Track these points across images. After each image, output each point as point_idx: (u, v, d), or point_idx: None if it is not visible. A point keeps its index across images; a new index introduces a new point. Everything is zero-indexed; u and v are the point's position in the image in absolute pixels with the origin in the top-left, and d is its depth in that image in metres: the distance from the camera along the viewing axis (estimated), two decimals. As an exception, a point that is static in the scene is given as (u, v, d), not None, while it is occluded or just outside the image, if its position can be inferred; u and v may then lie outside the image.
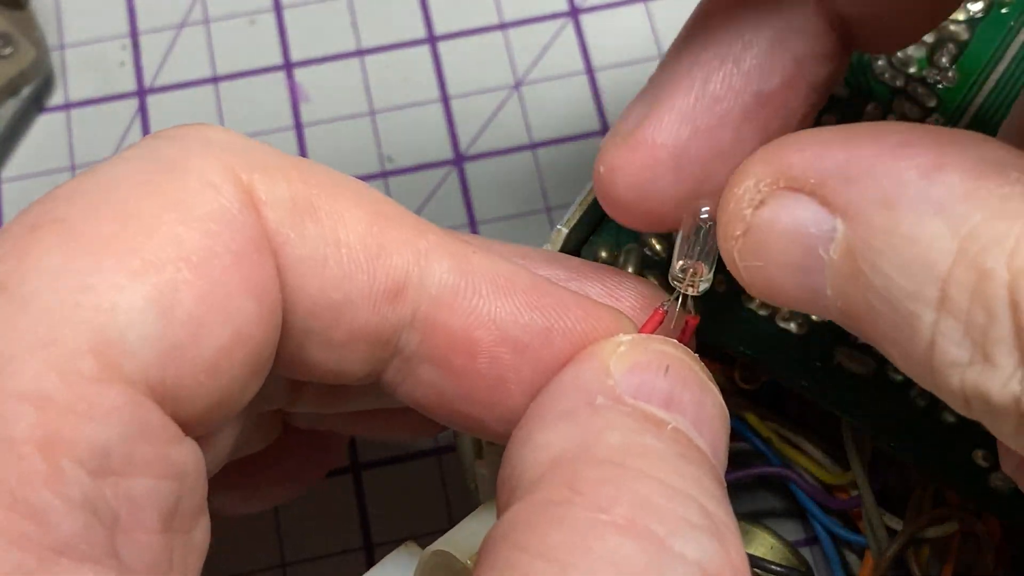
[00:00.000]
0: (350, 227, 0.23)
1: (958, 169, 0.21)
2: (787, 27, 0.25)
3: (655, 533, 0.20)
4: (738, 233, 0.23)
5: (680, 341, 0.25)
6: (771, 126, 0.25)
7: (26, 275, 0.20)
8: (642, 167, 0.26)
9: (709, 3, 0.26)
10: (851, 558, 0.32)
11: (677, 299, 0.26)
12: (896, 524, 0.30)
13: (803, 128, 0.26)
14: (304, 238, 0.23)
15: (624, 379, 0.23)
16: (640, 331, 0.25)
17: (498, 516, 0.22)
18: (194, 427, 0.22)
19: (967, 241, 0.20)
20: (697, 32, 0.26)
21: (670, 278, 0.26)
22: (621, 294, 0.27)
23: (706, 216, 0.26)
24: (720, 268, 0.31)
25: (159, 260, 0.21)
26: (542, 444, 0.22)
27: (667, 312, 0.26)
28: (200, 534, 0.22)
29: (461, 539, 0.26)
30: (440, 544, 0.26)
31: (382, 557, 0.28)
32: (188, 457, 0.21)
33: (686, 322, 0.26)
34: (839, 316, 0.23)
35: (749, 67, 0.25)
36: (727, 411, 0.24)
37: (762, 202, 0.23)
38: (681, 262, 0.26)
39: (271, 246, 0.23)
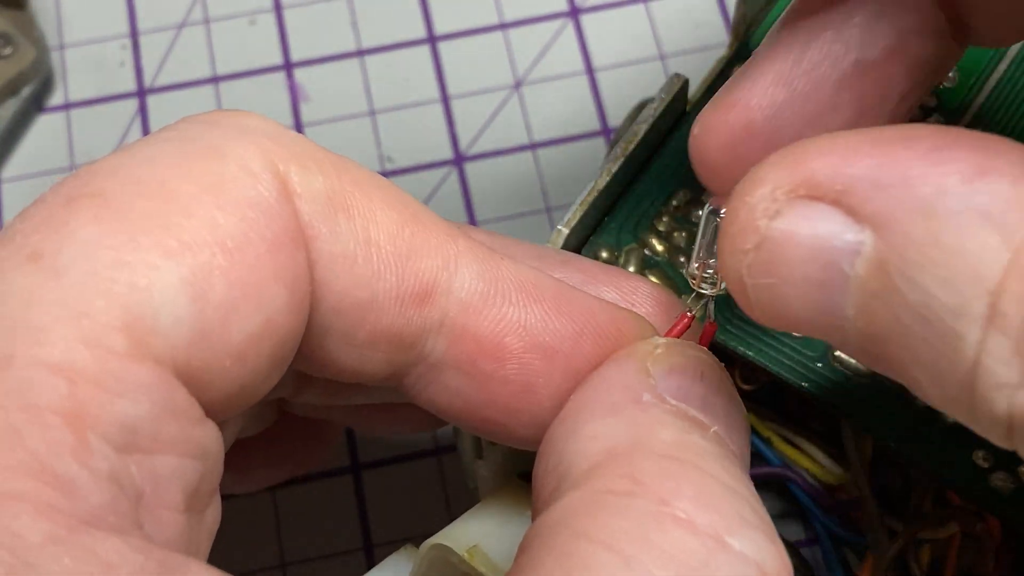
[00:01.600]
0: (381, 227, 0.23)
1: (1005, 174, 0.19)
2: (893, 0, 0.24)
3: (715, 529, 0.20)
4: (749, 247, 0.21)
5: (702, 342, 0.26)
6: (868, 97, 0.25)
7: (61, 246, 0.20)
8: (735, 128, 0.25)
9: None
10: (851, 558, 0.32)
11: (705, 303, 0.26)
12: (896, 524, 0.30)
13: (905, 108, 0.25)
14: (336, 234, 0.23)
15: (663, 380, 0.23)
16: (668, 335, 0.25)
17: (539, 506, 0.22)
18: (215, 412, 0.22)
19: (1021, 250, 0.19)
20: (801, 2, 0.25)
21: (689, 278, 0.26)
22: (636, 299, 0.27)
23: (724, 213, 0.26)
24: (720, 268, 0.31)
25: (195, 242, 0.21)
26: (591, 435, 0.22)
27: (694, 317, 0.26)
28: (212, 515, 0.22)
29: (460, 533, 0.26)
30: (438, 538, 0.26)
31: (382, 557, 0.28)
32: (210, 438, 0.21)
33: (704, 328, 0.26)
34: (858, 339, 0.21)
35: (850, 35, 0.24)
36: (749, 424, 0.24)
37: (778, 212, 0.21)
38: (699, 262, 0.26)
39: (304, 238, 0.22)
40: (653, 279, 0.31)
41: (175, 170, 0.22)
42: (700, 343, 0.26)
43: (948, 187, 0.19)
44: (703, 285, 0.26)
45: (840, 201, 0.20)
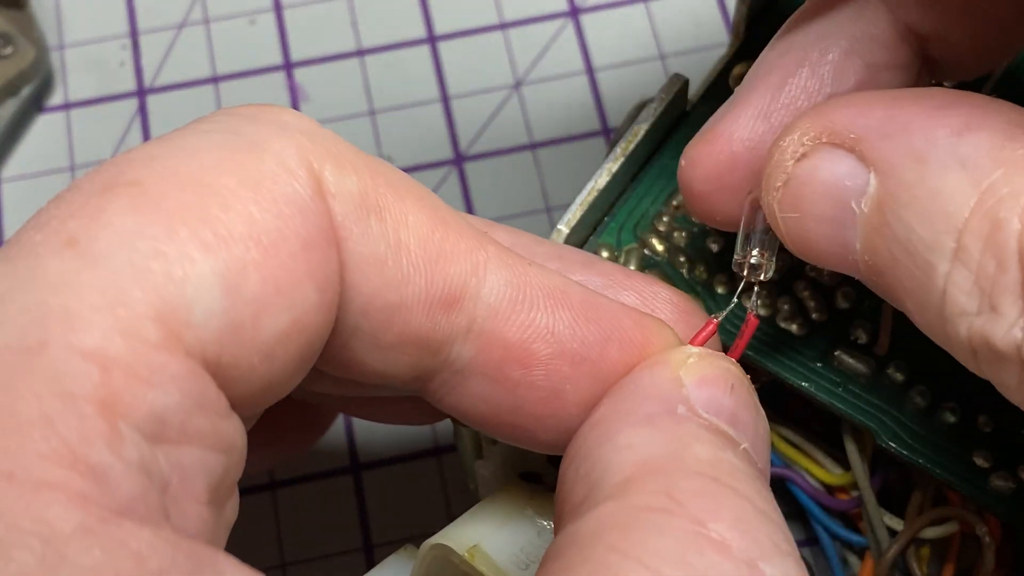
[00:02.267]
0: (412, 230, 0.23)
1: (988, 129, 0.22)
2: (862, 36, 0.27)
3: (750, 555, 0.21)
4: (779, 184, 0.24)
5: (740, 342, 0.26)
6: None
7: (98, 234, 0.20)
8: (719, 160, 0.27)
9: (795, 15, 0.27)
10: (851, 559, 0.32)
11: (750, 291, 0.27)
12: (897, 524, 0.30)
13: None
14: (367, 235, 0.23)
15: (694, 391, 0.23)
16: (693, 341, 0.26)
17: (568, 510, 0.22)
18: (240, 408, 0.22)
19: (986, 193, 0.21)
20: (781, 40, 0.27)
21: (734, 267, 0.27)
22: (656, 304, 0.27)
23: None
24: (722, 269, 0.31)
25: (231, 236, 0.21)
26: (625, 445, 0.22)
27: (719, 323, 0.26)
28: (231, 509, 0.22)
29: (460, 533, 0.26)
30: (439, 538, 0.26)
31: (382, 557, 0.28)
32: (236, 432, 0.21)
33: (747, 321, 0.26)
34: (866, 271, 0.24)
35: (824, 71, 0.26)
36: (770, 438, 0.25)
37: (804, 155, 0.24)
38: (743, 252, 0.27)
39: (335, 238, 0.22)
40: (653, 279, 0.31)
41: (213, 163, 0.22)
42: (742, 337, 0.26)
43: (938, 138, 0.22)
44: (739, 271, 0.27)
45: (854, 148, 0.23)
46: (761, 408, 0.24)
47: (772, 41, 0.28)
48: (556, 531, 0.23)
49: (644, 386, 0.24)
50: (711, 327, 0.26)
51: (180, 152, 0.22)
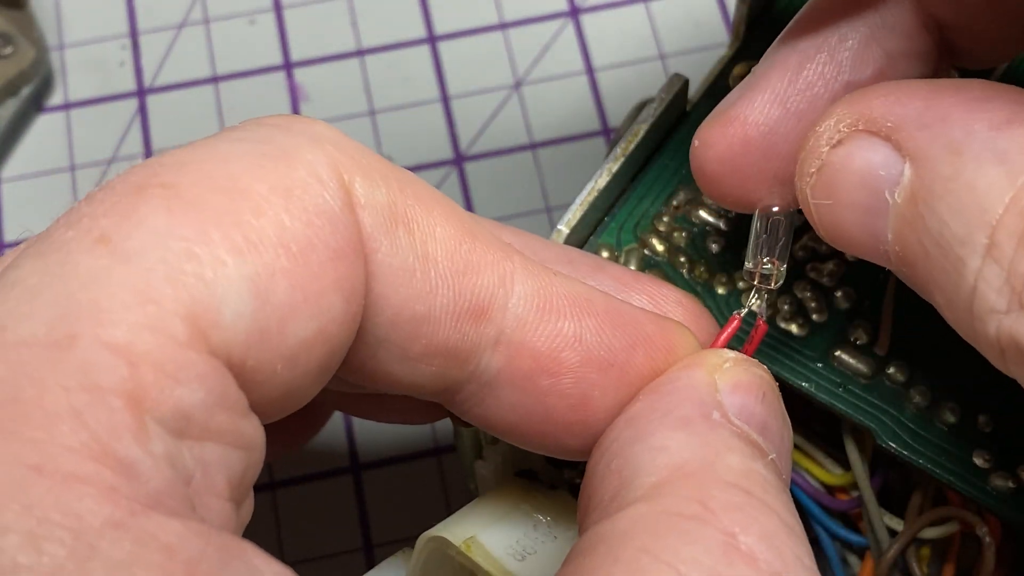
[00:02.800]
0: (440, 242, 0.23)
1: None
2: (882, 24, 0.26)
3: (775, 569, 0.21)
4: (812, 170, 0.24)
5: (748, 348, 0.26)
6: None
7: (131, 232, 0.20)
8: (732, 142, 0.27)
9: (815, 1, 0.27)
10: (852, 559, 0.32)
11: (761, 298, 0.27)
12: (897, 524, 0.30)
13: None
14: (395, 247, 0.23)
15: (728, 396, 0.24)
16: (716, 339, 0.26)
17: (597, 503, 0.23)
18: (259, 413, 0.22)
19: (1022, 190, 0.21)
20: (800, 25, 0.27)
21: (744, 275, 0.27)
22: (666, 306, 0.27)
23: (777, 210, 0.27)
24: (722, 269, 0.31)
25: (262, 242, 0.21)
26: (660, 446, 0.23)
27: (741, 320, 0.27)
28: (247, 508, 0.22)
29: (456, 527, 0.27)
30: (436, 531, 0.26)
31: (382, 557, 0.28)
32: (256, 431, 0.22)
33: (757, 326, 0.27)
34: (896, 262, 0.23)
35: (842, 58, 0.26)
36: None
37: (840, 142, 0.24)
38: (755, 260, 0.27)
39: (364, 250, 0.23)
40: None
41: (245, 169, 0.22)
42: (752, 342, 0.26)
43: (976, 131, 0.22)
44: (751, 280, 0.27)
45: (890, 136, 0.23)
46: (787, 417, 0.25)
47: (790, 25, 0.27)
48: (583, 522, 0.23)
49: (680, 388, 0.24)
50: (735, 324, 0.26)
51: (212, 157, 0.22)
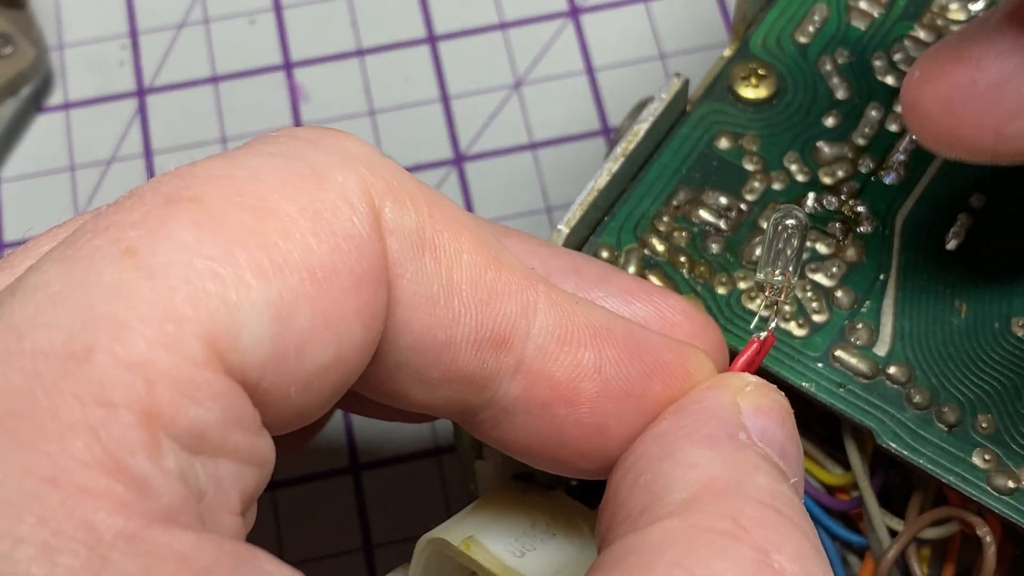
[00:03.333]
0: (465, 270, 0.23)
1: None
2: None
3: None
4: None
5: (756, 359, 0.26)
6: None
7: (157, 246, 0.20)
8: (959, 81, 0.25)
9: None
10: (852, 559, 0.32)
11: (771, 317, 0.27)
12: (897, 524, 0.30)
13: None
14: (420, 274, 0.23)
15: (750, 419, 0.24)
16: (735, 361, 0.26)
17: (623, 518, 0.23)
18: (268, 429, 0.22)
19: None
20: None
21: (756, 285, 0.27)
22: (673, 318, 0.27)
23: (792, 223, 0.26)
24: (723, 269, 0.31)
25: (287, 266, 0.21)
26: (689, 463, 0.23)
27: (762, 343, 0.26)
28: (250, 517, 0.22)
29: (455, 527, 0.27)
30: (435, 532, 0.26)
31: (382, 557, 0.28)
32: (269, 447, 0.21)
33: (765, 339, 0.27)
34: None
35: None
36: None
37: None
38: (767, 272, 0.27)
39: (388, 277, 0.22)
40: (654, 279, 0.31)
41: (277, 188, 0.21)
42: (760, 354, 0.26)
43: None
44: (765, 293, 0.27)
45: None
46: (801, 445, 0.25)
47: None
48: (607, 535, 0.23)
49: (706, 408, 0.24)
50: (755, 346, 0.26)
51: (244, 172, 0.22)
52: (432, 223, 0.23)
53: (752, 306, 0.31)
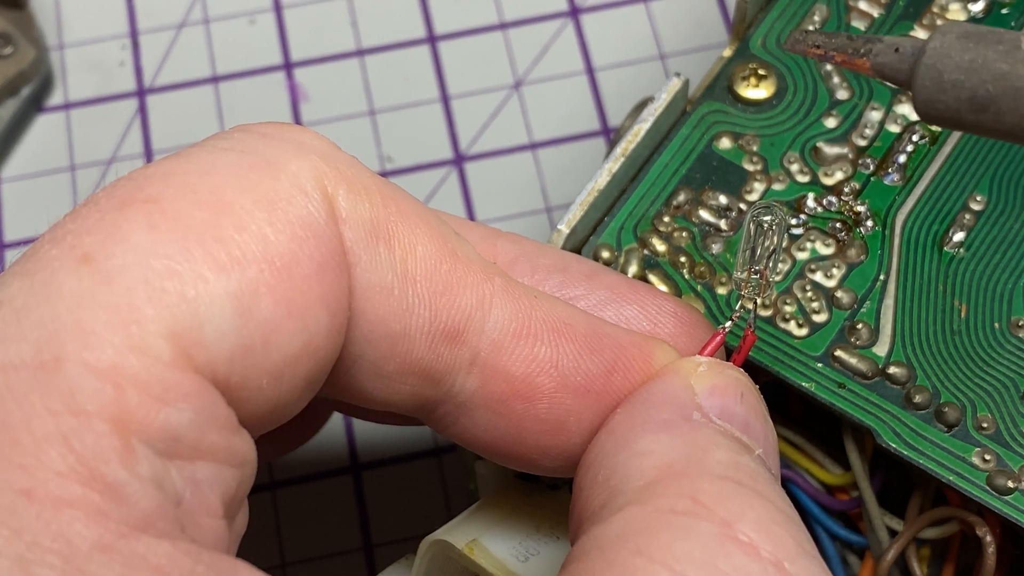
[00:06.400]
0: (420, 261, 0.23)
1: None
2: None
3: (776, 556, 0.20)
4: None
5: (737, 358, 0.26)
6: None
7: (114, 250, 0.20)
8: None
9: None
10: (852, 559, 0.32)
11: (749, 308, 0.26)
12: (897, 524, 0.30)
13: None
14: (375, 263, 0.23)
15: (706, 399, 0.23)
16: (700, 352, 0.26)
17: (586, 517, 0.22)
18: (247, 427, 0.22)
19: None
20: None
21: (734, 284, 0.27)
22: (660, 319, 0.27)
23: (769, 219, 0.26)
24: (723, 269, 0.31)
25: (245, 257, 0.21)
26: (644, 451, 0.22)
27: (726, 335, 0.26)
28: (241, 520, 0.22)
29: (459, 530, 0.27)
30: (438, 534, 0.26)
31: (382, 557, 0.28)
32: (248, 446, 0.22)
33: (745, 337, 0.26)
34: None
35: None
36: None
37: None
38: (745, 269, 0.26)
39: (346, 264, 0.22)
40: (654, 279, 0.31)
41: (229, 181, 0.22)
42: (740, 352, 0.26)
43: None
44: (741, 291, 0.27)
45: None
46: (769, 418, 0.24)
47: None
48: (573, 536, 0.23)
49: (657, 394, 0.24)
50: (718, 339, 0.26)
51: (197, 169, 0.22)
52: (387, 214, 0.23)
53: (752, 306, 0.30)
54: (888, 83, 0.24)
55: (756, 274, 0.26)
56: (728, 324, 0.26)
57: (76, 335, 0.19)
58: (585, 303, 0.26)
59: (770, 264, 0.26)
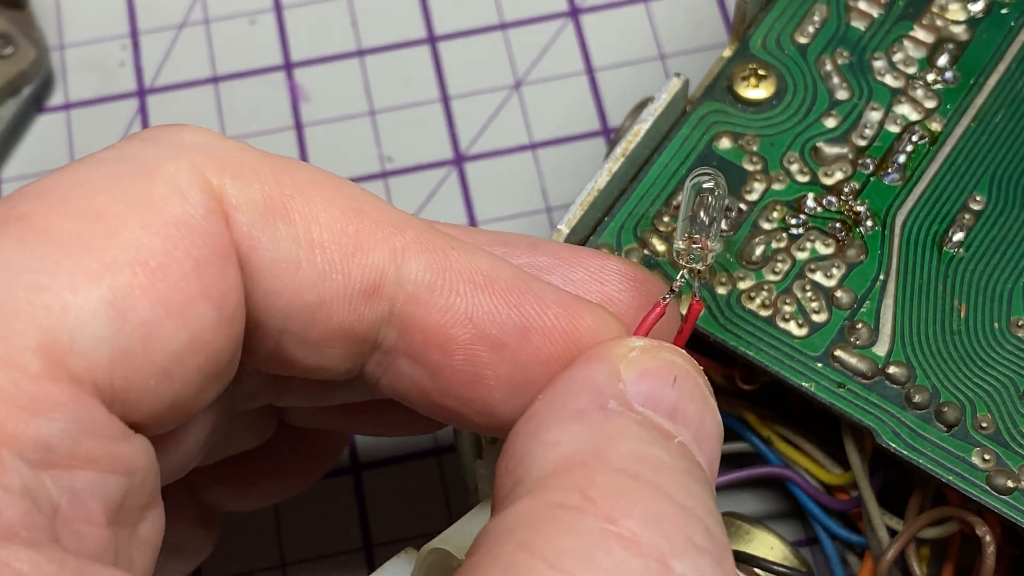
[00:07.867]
0: (324, 226, 0.23)
1: None
2: None
3: (660, 551, 0.20)
4: None
5: (684, 328, 0.26)
6: None
7: None
8: None
9: None
10: (852, 559, 0.32)
11: (687, 283, 0.26)
12: (897, 524, 0.30)
13: None
14: (276, 240, 0.23)
15: (633, 385, 0.23)
16: (639, 326, 0.25)
17: (496, 505, 0.22)
18: (148, 427, 0.22)
19: None
20: None
21: (675, 255, 0.26)
22: (604, 277, 0.27)
23: (709, 186, 0.26)
24: (723, 269, 0.31)
25: (116, 263, 0.21)
26: (552, 441, 0.22)
27: (667, 306, 0.25)
28: (148, 528, 0.22)
29: (457, 537, 0.26)
30: (437, 542, 0.26)
31: (382, 557, 0.28)
32: (137, 454, 0.22)
33: (691, 307, 0.26)
34: None
35: None
36: (723, 429, 0.24)
37: None
38: (684, 239, 0.26)
39: (241, 251, 0.23)
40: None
41: (104, 191, 0.22)
42: (686, 323, 0.26)
43: None
44: (680, 260, 0.26)
45: None
46: (712, 400, 0.24)
47: None
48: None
49: (578, 380, 0.23)
50: (658, 310, 0.25)
51: (71, 182, 0.22)
52: (280, 190, 0.23)
53: (752, 306, 0.31)
54: None
55: (696, 243, 0.26)
56: (667, 296, 0.25)
57: None
58: (529, 270, 0.26)
59: (710, 232, 0.26)
